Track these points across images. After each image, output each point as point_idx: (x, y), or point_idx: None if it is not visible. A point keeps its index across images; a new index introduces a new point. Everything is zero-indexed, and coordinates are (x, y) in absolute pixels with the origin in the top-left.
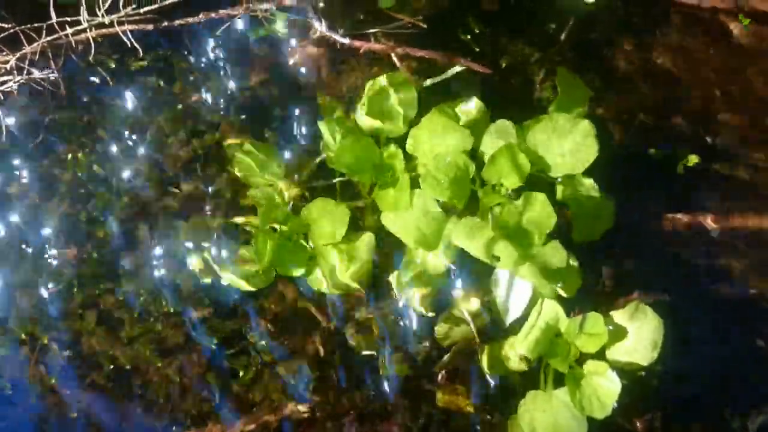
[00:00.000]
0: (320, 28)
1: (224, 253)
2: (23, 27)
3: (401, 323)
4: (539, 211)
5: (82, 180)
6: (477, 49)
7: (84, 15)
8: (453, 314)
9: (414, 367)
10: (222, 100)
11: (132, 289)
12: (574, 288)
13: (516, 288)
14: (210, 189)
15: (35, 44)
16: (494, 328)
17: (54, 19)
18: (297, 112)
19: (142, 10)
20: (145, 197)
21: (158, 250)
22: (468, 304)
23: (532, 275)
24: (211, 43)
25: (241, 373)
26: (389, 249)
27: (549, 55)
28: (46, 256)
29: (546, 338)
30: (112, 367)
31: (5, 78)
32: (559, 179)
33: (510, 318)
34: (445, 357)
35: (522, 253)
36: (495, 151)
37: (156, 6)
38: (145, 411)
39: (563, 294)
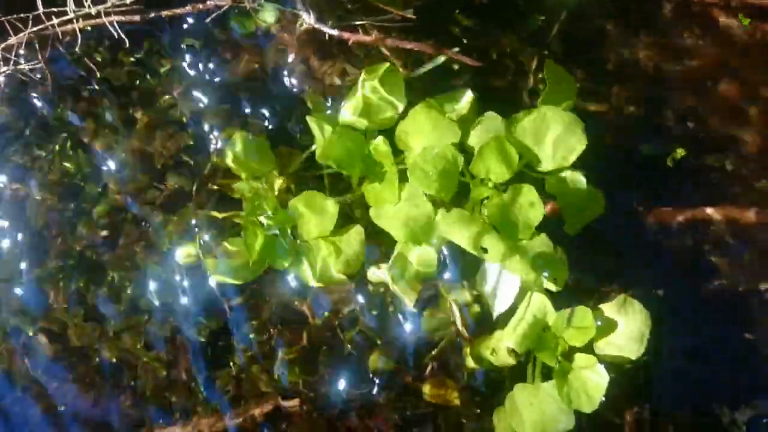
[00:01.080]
0: (308, 19)
1: (211, 247)
2: (9, 17)
3: (389, 317)
4: (527, 204)
5: (68, 173)
6: (466, 42)
7: (71, 5)
8: (441, 307)
9: (402, 361)
10: (209, 92)
11: (119, 283)
12: (562, 281)
13: (504, 281)
14: (197, 182)
15: (21, 35)
16: (482, 321)
17: (41, 9)
18: (285, 103)
19: (128, 1)
20: (132, 190)
21: (145, 244)
22: (456, 298)
23: (519, 268)
24: (199, 34)
25: (228, 367)
26: (378, 242)
27: (538, 48)
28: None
29: (534, 332)
30: (98, 360)
31: None
32: (548, 172)
33: (498, 311)
34: (433, 350)
35: (510, 245)
36: (483, 143)
37: None
38: (132, 404)
39: (551, 287)
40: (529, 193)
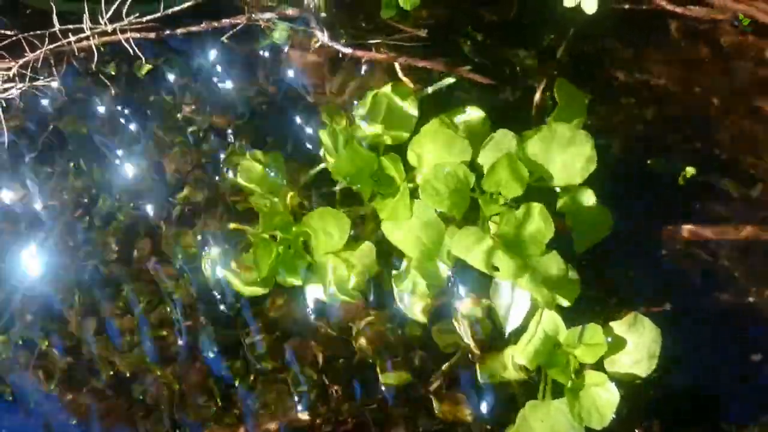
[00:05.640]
0: (322, 37)
1: (224, 261)
2: (26, 34)
3: (400, 332)
4: (538, 221)
5: (83, 188)
6: (478, 60)
7: (87, 23)
8: (452, 323)
9: (413, 376)
10: (223, 109)
11: (132, 297)
12: (573, 298)
13: (516, 297)
14: (211, 197)
15: (38, 52)
16: (494, 337)
17: (57, 26)
18: (298, 120)
19: (144, 19)
20: (146, 205)
21: (158, 258)
22: (467, 313)
23: (531, 286)
24: (214, 51)
25: (240, 381)
26: (390, 257)
27: (549, 66)
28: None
29: (545, 348)
30: (111, 373)
31: (7, 85)
32: (559, 189)
33: (509, 327)
34: (444, 366)
35: (521, 263)
36: (495, 160)
37: (159, 15)
38: (145, 418)
39: (562, 303)
40: (539, 211)
